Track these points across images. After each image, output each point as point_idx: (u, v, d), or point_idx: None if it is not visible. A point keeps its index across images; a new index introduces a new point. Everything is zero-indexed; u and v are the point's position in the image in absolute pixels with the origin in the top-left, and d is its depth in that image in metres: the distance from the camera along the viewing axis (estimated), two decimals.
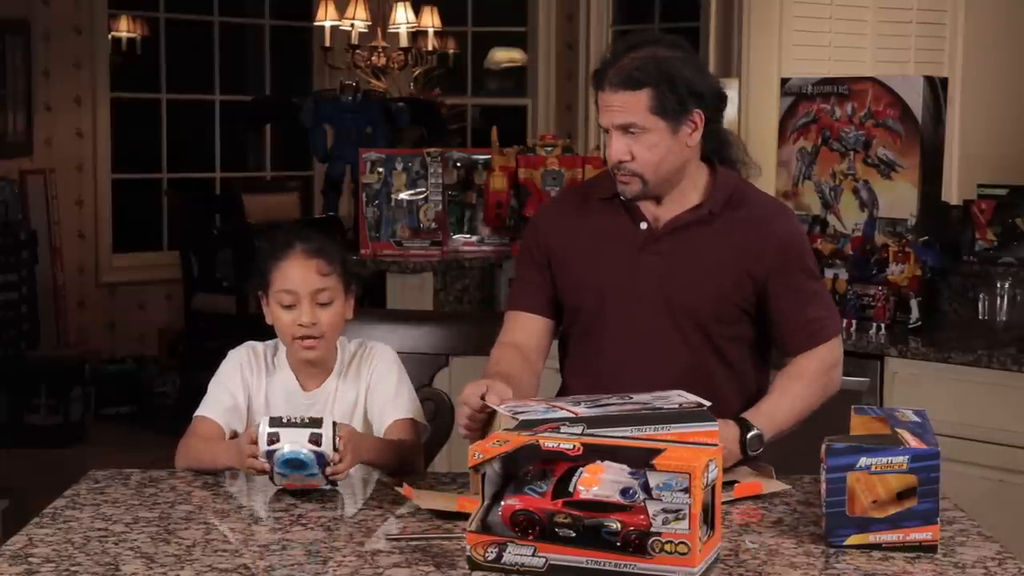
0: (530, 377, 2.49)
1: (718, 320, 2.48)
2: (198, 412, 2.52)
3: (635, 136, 2.40)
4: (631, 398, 2.16)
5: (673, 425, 2.05)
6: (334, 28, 7.38)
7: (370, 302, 5.44)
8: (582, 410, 2.07)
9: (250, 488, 2.25)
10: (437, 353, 2.82)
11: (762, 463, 2.38)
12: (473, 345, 2.62)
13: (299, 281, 2.46)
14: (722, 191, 2.49)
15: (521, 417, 2.04)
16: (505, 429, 2.03)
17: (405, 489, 2.20)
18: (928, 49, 4.93)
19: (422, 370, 2.77)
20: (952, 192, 4.57)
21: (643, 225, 2.49)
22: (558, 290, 2.57)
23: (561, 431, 1.94)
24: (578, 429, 1.97)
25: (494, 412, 2.16)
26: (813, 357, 2.51)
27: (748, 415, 2.40)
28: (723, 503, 2.10)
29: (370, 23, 7.42)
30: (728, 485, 2.19)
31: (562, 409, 2.08)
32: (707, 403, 2.17)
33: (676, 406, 2.11)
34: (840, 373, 2.58)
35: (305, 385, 2.54)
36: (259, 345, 2.59)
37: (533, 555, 1.80)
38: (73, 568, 1.86)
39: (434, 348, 2.81)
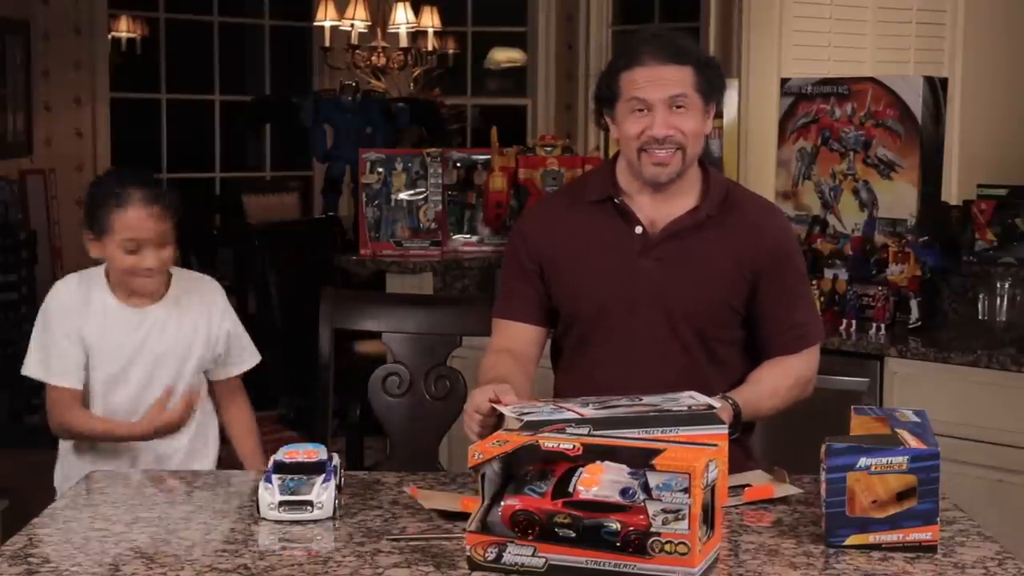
0: (524, 382, 2.47)
1: (715, 324, 2.47)
2: (52, 381, 2.69)
3: (679, 113, 2.39)
4: (641, 399, 2.15)
5: (681, 427, 2.04)
6: (334, 28, 7.39)
7: None
8: (589, 411, 2.07)
9: (250, 488, 2.25)
10: (450, 334, 2.90)
11: (776, 467, 2.36)
12: (484, 326, 2.68)
13: (143, 229, 2.64)
14: (717, 193, 2.48)
15: (527, 419, 2.04)
16: (508, 430, 2.03)
17: (411, 489, 2.20)
18: (928, 49, 4.93)
19: (437, 350, 2.88)
20: (952, 192, 4.57)
21: (638, 229, 2.47)
22: (553, 298, 2.54)
23: (567, 432, 1.94)
24: (584, 431, 1.97)
25: (502, 415, 2.16)
26: (796, 362, 2.50)
27: (737, 398, 2.38)
28: (733, 507, 2.11)
29: (370, 23, 7.43)
30: (739, 489, 2.19)
31: (569, 410, 2.08)
32: (717, 405, 2.17)
33: (685, 408, 2.11)
34: (813, 385, 2.55)
35: (130, 303, 2.73)
36: (72, 281, 2.76)
37: (533, 555, 1.80)
38: (73, 568, 1.86)
39: (447, 329, 2.89)
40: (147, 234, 2.64)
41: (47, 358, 2.72)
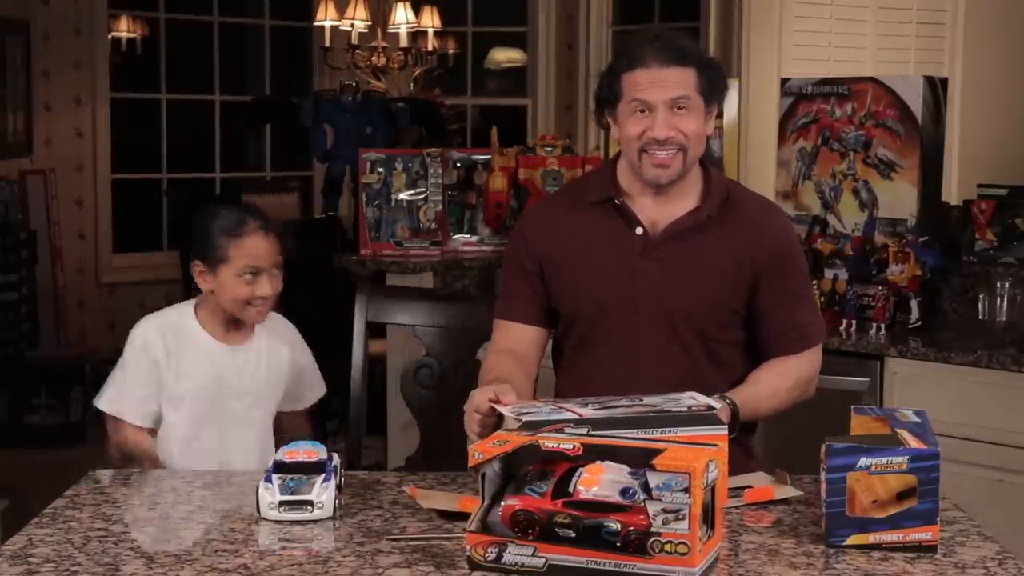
0: (525, 382, 2.47)
1: (716, 325, 2.47)
2: (112, 410, 2.70)
3: (680, 114, 2.39)
4: (641, 400, 2.15)
5: (681, 428, 2.04)
6: (334, 28, 7.38)
7: None
8: (588, 412, 2.07)
9: (250, 488, 2.25)
10: (480, 329, 2.91)
11: (778, 469, 2.36)
12: None
13: (261, 256, 2.68)
14: (718, 193, 2.48)
15: (525, 419, 2.04)
16: (507, 430, 2.03)
17: (411, 489, 2.20)
18: (928, 49, 4.94)
19: (469, 344, 2.95)
20: (952, 192, 4.57)
21: (638, 230, 2.46)
22: (553, 299, 2.53)
23: (565, 432, 1.94)
24: (583, 431, 1.97)
25: (502, 415, 2.15)
26: (797, 362, 2.50)
27: (735, 398, 2.37)
28: (732, 507, 2.10)
29: (370, 23, 7.42)
30: (739, 490, 2.19)
31: (568, 411, 2.07)
32: (717, 405, 2.17)
33: (685, 409, 2.10)
34: (816, 385, 2.55)
35: (226, 341, 2.74)
36: (160, 321, 2.74)
37: (533, 555, 1.80)
38: (73, 568, 1.86)
39: (477, 324, 2.92)
40: (265, 262, 2.68)
41: (120, 395, 2.72)
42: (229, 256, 2.67)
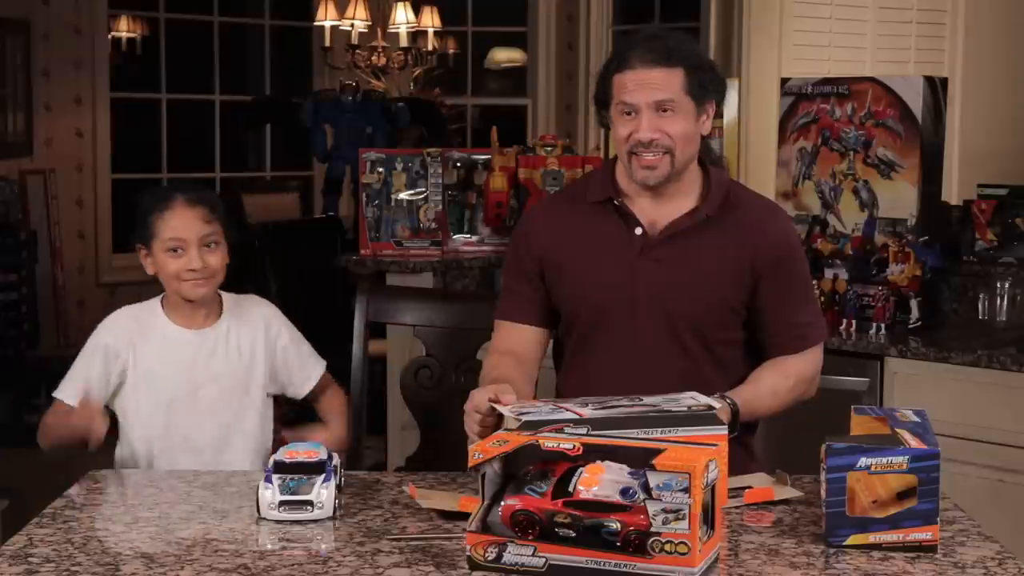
0: (527, 383, 2.47)
1: (715, 325, 2.46)
2: (56, 393, 2.68)
3: (666, 116, 2.38)
4: (641, 400, 2.15)
5: (680, 428, 2.04)
6: (334, 28, 7.39)
7: None
8: (588, 412, 2.07)
9: (250, 488, 2.25)
10: (481, 329, 2.90)
11: (778, 470, 2.36)
12: None
13: (185, 229, 2.62)
14: (717, 193, 2.47)
15: (525, 418, 2.04)
16: (507, 429, 2.03)
17: (410, 489, 2.20)
18: (928, 49, 4.94)
19: (469, 344, 2.94)
20: (952, 192, 4.57)
21: (637, 231, 2.46)
22: (553, 299, 2.53)
23: (565, 432, 1.94)
24: (583, 430, 1.97)
25: (502, 416, 2.15)
26: (797, 362, 2.50)
27: (736, 398, 2.37)
28: (732, 507, 2.10)
29: (370, 23, 7.43)
30: (739, 491, 2.19)
31: (567, 411, 2.07)
32: (717, 405, 2.17)
33: (685, 409, 2.10)
34: (817, 384, 2.55)
35: (190, 326, 2.69)
36: (126, 311, 2.72)
37: (533, 555, 1.80)
38: (73, 568, 1.86)
39: (477, 324, 2.91)
40: (190, 235, 2.61)
41: (69, 379, 2.70)
42: (157, 233, 2.63)
